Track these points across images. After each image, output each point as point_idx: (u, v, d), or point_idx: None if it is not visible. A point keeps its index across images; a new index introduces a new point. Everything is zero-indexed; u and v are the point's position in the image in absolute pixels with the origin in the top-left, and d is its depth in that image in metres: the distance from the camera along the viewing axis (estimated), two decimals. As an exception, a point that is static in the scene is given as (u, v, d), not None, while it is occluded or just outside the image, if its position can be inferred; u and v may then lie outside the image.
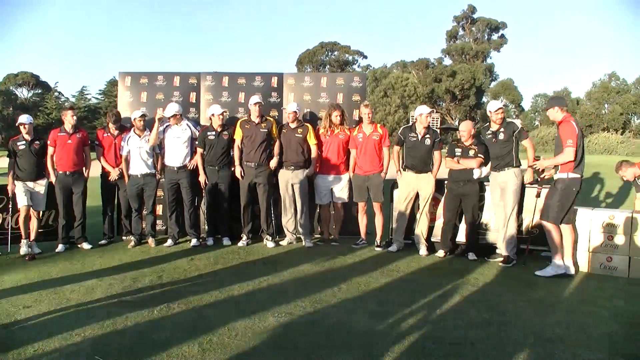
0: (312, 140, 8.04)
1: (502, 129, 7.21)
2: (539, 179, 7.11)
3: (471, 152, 7.39)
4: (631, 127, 57.47)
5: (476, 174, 7.30)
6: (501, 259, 7.18)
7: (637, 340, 4.54)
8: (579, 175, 6.44)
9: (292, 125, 8.03)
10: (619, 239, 6.57)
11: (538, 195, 7.00)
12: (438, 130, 8.21)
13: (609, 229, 6.63)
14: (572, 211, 6.63)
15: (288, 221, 8.22)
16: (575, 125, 6.42)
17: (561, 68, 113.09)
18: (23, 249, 7.57)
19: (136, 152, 8.00)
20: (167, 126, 8.10)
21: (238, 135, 8.05)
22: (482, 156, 7.34)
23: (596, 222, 6.71)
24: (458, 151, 7.46)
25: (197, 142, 8.10)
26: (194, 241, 8.14)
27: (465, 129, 7.48)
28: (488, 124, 7.48)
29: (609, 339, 4.51)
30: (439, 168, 7.71)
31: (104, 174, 8.37)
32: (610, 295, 5.78)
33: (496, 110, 7.23)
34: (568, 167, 6.39)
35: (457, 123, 51.97)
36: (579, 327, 4.76)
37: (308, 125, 8.13)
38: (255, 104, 7.95)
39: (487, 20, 62.13)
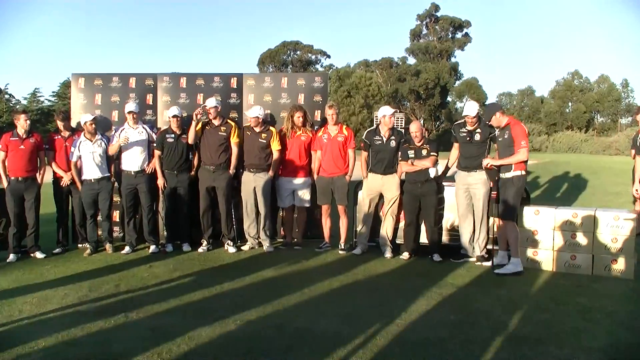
0: (275, 146, 7.89)
1: (478, 130, 7.17)
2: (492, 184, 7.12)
3: (424, 152, 7.34)
4: (594, 125, 58.99)
5: (432, 173, 7.25)
6: (473, 259, 7.23)
7: (601, 336, 4.62)
8: (525, 172, 6.81)
9: (257, 130, 7.87)
10: (582, 238, 6.64)
11: (497, 201, 7.02)
12: (403, 131, 8.13)
13: (572, 228, 6.69)
14: None
15: (249, 226, 8.04)
16: (524, 126, 6.94)
17: (525, 66, 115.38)
18: None
19: (89, 158, 7.73)
20: (122, 130, 7.83)
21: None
22: (436, 154, 7.33)
23: (559, 221, 6.76)
24: (411, 153, 7.38)
25: (154, 145, 7.88)
26: (152, 247, 7.92)
27: (417, 129, 7.42)
28: (463, 121, 7.37)
29: (574, 335, 4.60)
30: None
31: (57, 180, 8.04)
32: (575, 292, 5.86)
33: (466, 116, 7.21)
34: (521, 166, 6.66)
35: (422, 122, 52.38)
36: (546, 324, 4.85)
37: (273, 129, 7.96)
38: (209, 108, 7.81)
39: (451, 18, 61.52)
